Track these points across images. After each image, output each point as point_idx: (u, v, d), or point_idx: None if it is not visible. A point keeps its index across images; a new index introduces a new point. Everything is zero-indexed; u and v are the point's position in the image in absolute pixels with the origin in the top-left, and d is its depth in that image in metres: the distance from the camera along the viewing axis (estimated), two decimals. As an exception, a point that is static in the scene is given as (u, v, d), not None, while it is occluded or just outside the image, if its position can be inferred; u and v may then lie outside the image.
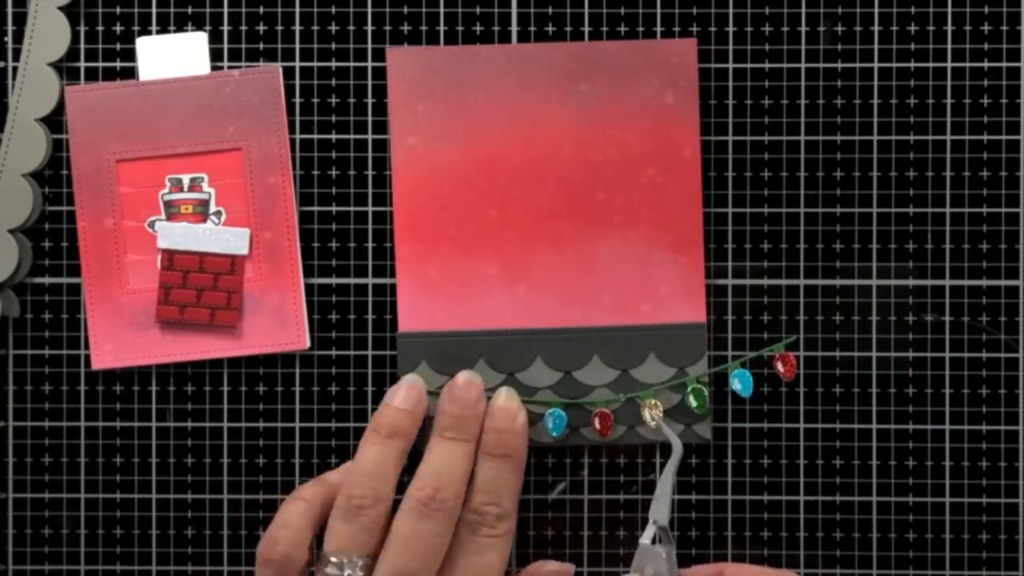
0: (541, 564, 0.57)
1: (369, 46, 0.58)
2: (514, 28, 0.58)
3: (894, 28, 0.58)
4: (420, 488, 0.53)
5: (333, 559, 0.53)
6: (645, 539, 0.55)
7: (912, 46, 0.58)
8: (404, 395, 0.55)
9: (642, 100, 0.57)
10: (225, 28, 0.58)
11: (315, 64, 0.58)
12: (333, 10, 0.58)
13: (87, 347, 0.58)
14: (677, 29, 0.58)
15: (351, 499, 0.53)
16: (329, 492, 0.55)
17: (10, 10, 0.58)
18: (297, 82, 0.58)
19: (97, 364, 0.58)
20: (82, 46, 0.58)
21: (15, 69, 0.58)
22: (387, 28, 0.58)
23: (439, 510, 0.53)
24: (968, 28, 0.58)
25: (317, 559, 0.54)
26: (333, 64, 0.58)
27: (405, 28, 0.58)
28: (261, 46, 0.58)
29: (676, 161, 0.57)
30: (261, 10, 0.58)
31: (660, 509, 0.55)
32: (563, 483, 0.58)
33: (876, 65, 0.58)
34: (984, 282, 0.58)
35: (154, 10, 0.58)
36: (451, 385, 0.56)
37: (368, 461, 0.54)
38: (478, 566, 0.54)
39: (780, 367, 0.57)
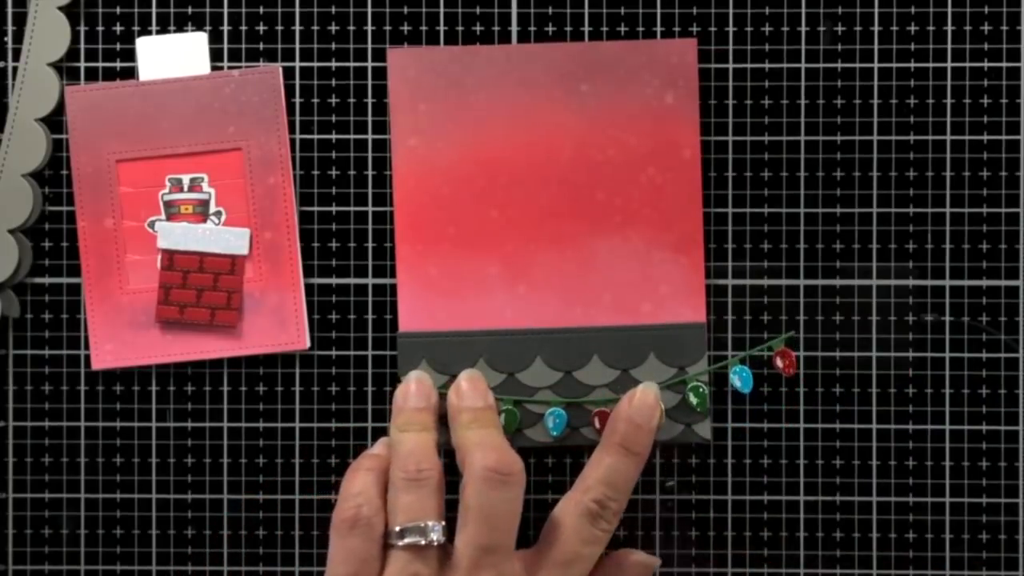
0: (628, 552, 0.57)
1: (369, 46, 0.58)
2: (514, 28, 0.58)
3: (894, 28, 0.58)
4: (485, 460, 0.52)
5: (410, 527, 0.51)
6: None
7: (912, 46, 0.58)
8: (416, 396, 0.55)
9: (642, 100, 0.57)
10: (225, 28, 0.58)
11: (315, 64, 0.58)
12: (333, 10, 0.58)
13: (87, 347, 0.58)
14: (677, 29, 0.58)
15: (408, 472, 0.52)
16: (384, 462, 0.54)
17: (10, 10, 0.58)
18: (297, 82, 0.58)
19: (97, 364, 0.58)
20: (82, 46, 0.58)
21: (15, 69, 0.58)
22: (387, 28, 0.58)
23: (508, 475, 0.52)
24: (968, 28, 0.58)
25: (389, 538, 0.52)
26: (333, 64, 0.58)
27: (405, 28, 0.58)
28: (261, 46, 0.58)
29: (676, 161, 0.57)
30: (261, 10, 0.58)
31: None
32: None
33: (876, 65, 0.58)
34: (984, 282, 0.58)
35: (154, 10, 0.58)
36: (456, 388, 0.56)
37: (408, 444, 0.54)
38: (587, 557, 0.54)
39: (780, 363, 0.58)
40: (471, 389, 0.56)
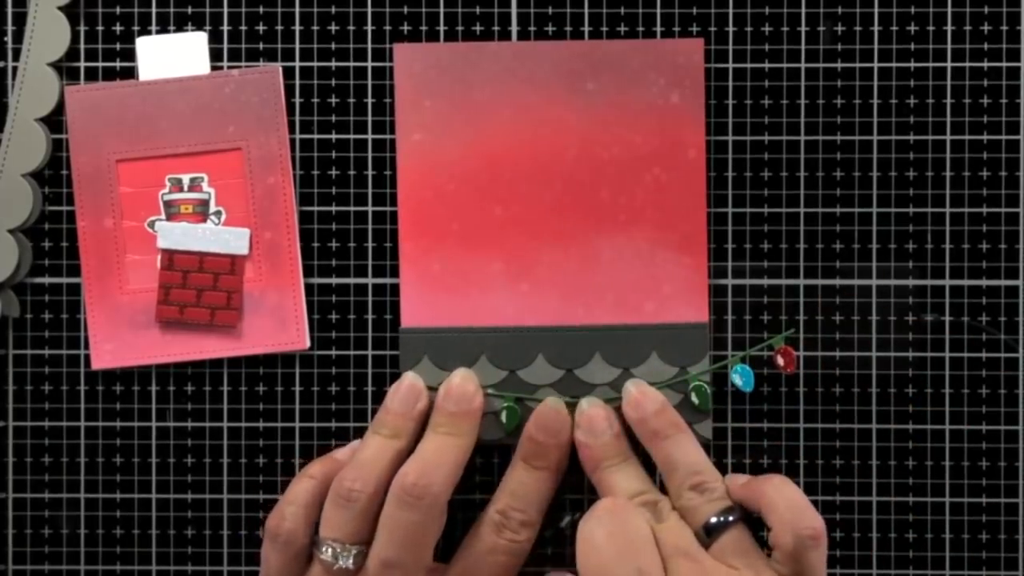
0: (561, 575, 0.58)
1: (369, 46, 0.58)
2: (514, 28, 0.58)
3: (894, 28, 0.58)
4: (404, 476, 0.53)
5: (328, 546, 0.53)
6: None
7: (912, 46, 0.58)
8: (402, 398, 0.55)
9: (648, 100, 0.57)
10: (225, 28, 0.58)
11: (315, 64, 0.58)
12: (333, 10, 0.58)
13: (87, 347, 0.58)
14: (677, 29, 0.58)
15: (343, 485, 0.53)
16: (336, 469, 0.55)
17: (10, 10, 0.58)
18: (297, 82, 0.58)
19: (97, 364, 0.58)
20: (82, 46, 0.58)
21: (15, 69, 0.58)
22: (387, 28, 0.58)
23: (419, 498, 0.52)
24: (968, 28, 0.58)
25: (314, 543, 0.54)
26: (333, 64, 0.58)
27: (405, 28, 0.58)
28: (261, 46, 0.58)
29: (681, 161, 0.57)
30: (261, 10, 0.58)
31: None
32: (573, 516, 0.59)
33: (876, 65, 0.58)
34: (984, 282, 0.58)
35: (154, 10, 0.58)
36: (447, 383, 0.56)
37: (366, 452, 0.55)
38: (489, 564, 0.54)
39: (780, 361, 0.58)
40: (457, 390, 0.56)
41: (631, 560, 0.51)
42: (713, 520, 0.53)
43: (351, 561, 0.53)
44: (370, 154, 0.58)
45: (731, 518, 0.53)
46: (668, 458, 0.55)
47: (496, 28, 0.58)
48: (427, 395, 0.56)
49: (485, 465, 0.59)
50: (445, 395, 0.55)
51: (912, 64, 0.58)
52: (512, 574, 0.55)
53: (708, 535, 0.53)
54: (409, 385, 0.56)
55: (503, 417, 0.57)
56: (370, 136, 0.58)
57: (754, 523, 0.54)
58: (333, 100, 0.58)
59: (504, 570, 0.55)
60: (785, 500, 0.52)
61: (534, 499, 0.55)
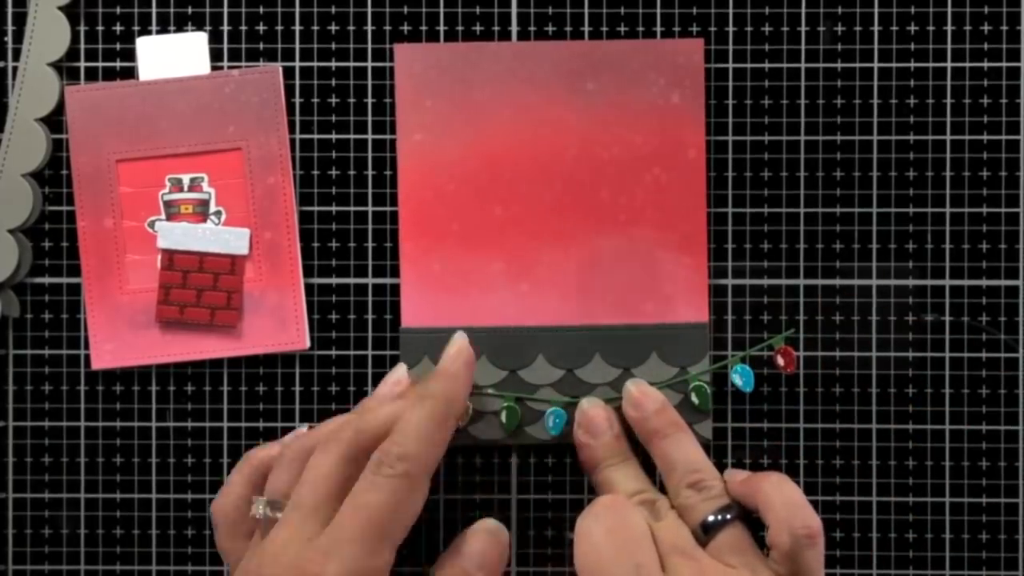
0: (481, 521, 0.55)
1: (369, 46, 0.58)
2: (514, 28, 0.58)
3: (894, 28, 0.58)
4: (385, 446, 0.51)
5: (258, 503, 0.52)
6: None
7: (912, 46, 0.58)
8: (392, 383, 0.55)
9: (648, 100, 0.57)
10: (225, 28, 0.58)
11: (315, 64, 0.58)
12: (333, 10, 0.58)
13: (87, 347, 0.58)
14: (677, 29, 0.58)
15: (284, 447, 0.53)
16: (269, 455, 0.54)
17: (10, 10, 0.58)
18: (297, 82, 0.58)
19: (97, 364, 0.58)
20: (82, 46, 0.58)
21: (15, 69, 0.58)
22: (387, 28, 0.58)
23: (332, 442, 0.51)
24: (968, 28, 0.58)
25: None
26: (333, 64, 0.58)
27: (405, 28, 0.58)
28: (261, 46, 0.58)
29: (681, 161, 0.57)
30: (261, 10, 0.58)
31: None
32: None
33: (876, 65, 0.58)
34: (984, 282, 0.58)
35: (154, 10, 0.58)
36: (448, 349, 0.55)
37: (329, 423, 0.53)
38: (361, 505, 0.49)
39: (780, 361, 0.58)
40: (446, 365, 0.54)
41: (629, 557, 0.50)
42: (711, 518, 0.53)
43: (260, 509, 0.51)
44: (370, 154, 0.58)
45: (728, 516, 0.53)
46: (667, 457, 0.55)
47: (496, 28, 0.58)
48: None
49: (485, 465, 0.59)
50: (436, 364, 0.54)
51: (912, 64, 0.58)
52: (393, 516, 0.50)
53: (705, 533, 0.53)
54: (396, 381, 0.56)
55: (503, 417, 0.57)
56: (370, 136, 0.58)
57: (752, 522, 0.54)
58: (333, 100, 0.58)
59: (383, 512, 0.50)
60: (782, 498, 0.52)
61: (412, 432, 0.51)
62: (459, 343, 0.55)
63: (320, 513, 0.49)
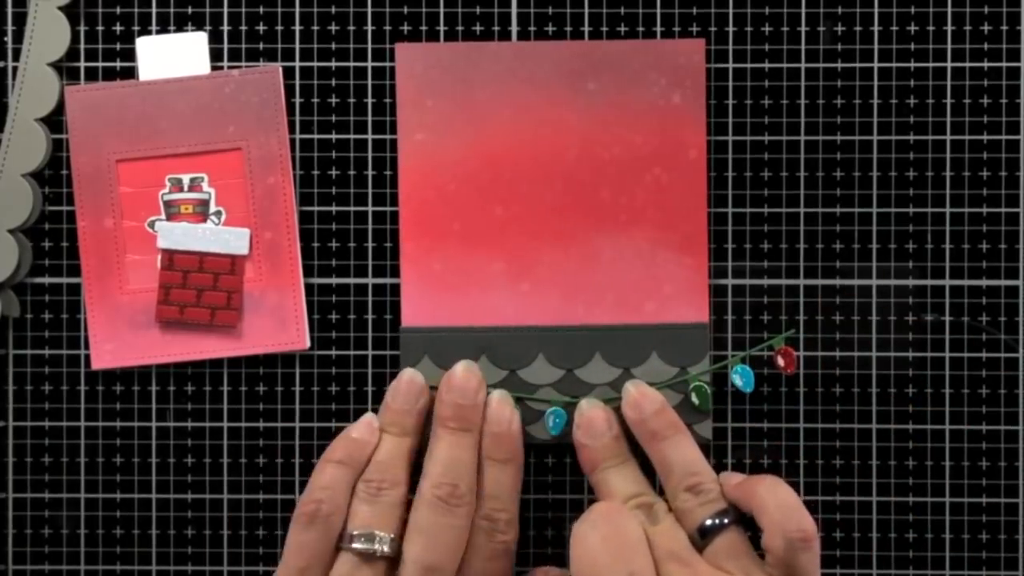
0: (546, 571, 0.57)
1: (369, 46, 0.58)
2: (514, 28, 0.58)
3: (894, 28, 0.58)
4: (436, 484, 0.53)
5: (362, 535, 0.53)
6: None
7: (912, 46, 0.58)
8: (404, 395, 0.56)
9: (649, 100, 0.57)
10: (225, 28, 0.58)
11: (315, 64, 0.58)
12: (333, 10, 0.58)
13: (87, 347, 0.58)
14: (677, 29, 0.58)
15: (370, 483, 0.54)
16: (356, 448, 0.55)
17: (10, 10, 0.58)
18: (297, 82, 0.58)
19: (97, 364, 0.58)
20: (82, 46, 0.58)
21: (15, 69, 0.58)
22: (387, 28, 0.58)
23: (459, 505, 0.53)
24: (968, 28, 0.58)
25: (341, 539, 0.54)
26: (333, 64, 0.58)
27: (405, 28, 0.58)
28: (261, 46, 0.58)
29: (682, 161, 0.57)
30: (261, 10, 0.58)
31: None
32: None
33: (876, 65, 0.58)
34: (984, 282, 0.58)
35: (154, 10, 0.58)
36: (449, 375, 0.56)
37: (382, 452, 0.55)
38: (492, 571, 0.54)
39: (780, 361, 0.58)
40: (463, 383, 0.56)
41: (625, 564, 0.51)
42: (708, 523, 0.53)
43: (387, 547, 0.53)
44: (370, 154, 0.58)
45: (726, 520, 0.53)
46: (665, 459, 0.55)
47: (496, 28, 0.58)
48: (428, 390, 0.56)
49: (485, 465, 0.59)
50: (448, 388, 0.55)
51: (912, 64, 0.58)
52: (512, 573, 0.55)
53: (702, 537, 0.53)
54: (408, 381, 0.56)
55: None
56: (370, 136, 0.58)
57: (750, 525, 0.54)
58: (333, 100, 0.58)
59: (509, 574, 0.55)
60: (776, 501, 0.52)
61: (509, 494, 0.55)
62: (508, 403, 0.56)
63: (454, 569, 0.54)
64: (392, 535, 0.53)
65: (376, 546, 0.53)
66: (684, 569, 0.52)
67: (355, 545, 0.53)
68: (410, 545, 0.53)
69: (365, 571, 0.53)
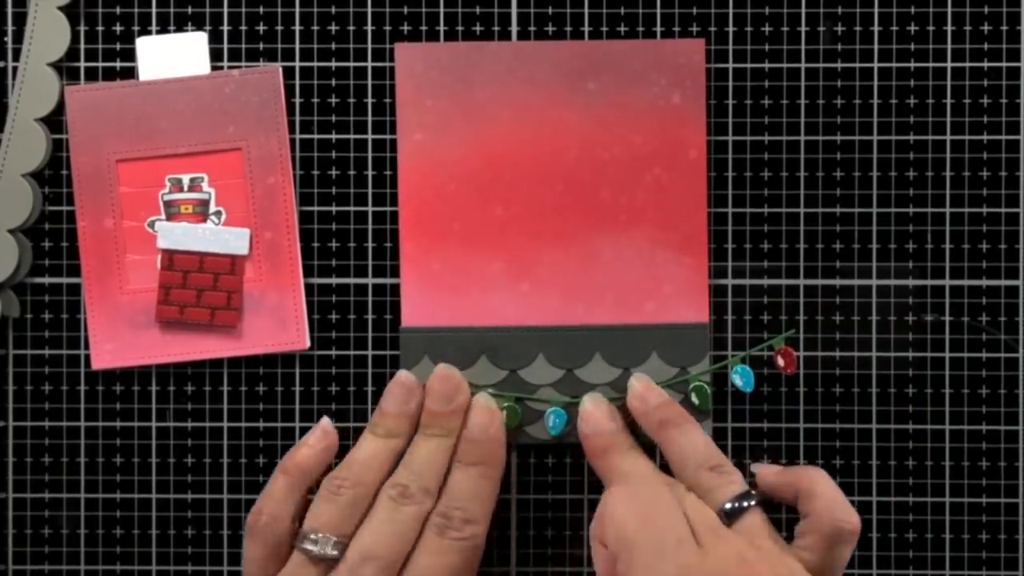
0: None
1: (369, 46, 0.58)
2: (514, 28, 0.58)
3: (894, 28, 0.58)
4: (393, 484, 0.54)
5: (311, 535, 0.53)
6: None
7: (912, 46, 0.58)
8: (395, 397, 0.56)
9: (649, 100, 0.57)
10: (225, 28, 0.58)
11: (315, 64, 0.58)
12: (333, 10, 0.58)
13: (87, 347, 0.58)
14: (677, 29, 0.58)
15: (332, 482, 0.54)
16: (307, 456, 0.55)
17: (10, 10, 0.58)
18: (297, 82, 0.58)
19: (97, 364, 0.58)
20: (82, 46, 0.58)
21: (15, 69, 0.58)
22: (387, 28, 0.58)
23: (407, 504, 0.53)
24: (968, 28, 0.58)
25: (295, 536, 0.54)
26: (333, 64, 0.58)
27: (405, 28, 0.58)
28: (261, 46, 0.58)
29: (682, 161, 0.57)
30: (261, 10, 0.58)
31: None
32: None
33: (876, 65, 0.58)
34: (984, 282, 0.58)
35: (154, 10, 0.58)
36: (430, 380, 0.56)
37: (360, 451, 0.55)
38: (436, 567, 0.54)
39: (780, 361, 0.58)
40: (439, 387, 0.56)
41: (671, 530, 0.50)
42: (734, 503, 0.53)
43: (331, 548, 0.53)
44: (370, 154, 0.58)
45: (752, 502, 0.53)
46: (678, 446, 0.55)
47: (496, 28, 0.58)
48: (421, 394, 0.56)
49: (485, 465, 0.59)
50: (428, 394, 0.56)
51: (912, 64, 0.58)
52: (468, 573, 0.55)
53: (727, 517, 0.53)
54: (398, 384, 0.56)
55: (504, 417, 0.57)
56: (370, 136, 0.58)
57: (771, 511, 0.54)
58: (333, 100, 0.58)
59: (456, 573, 0.54)
60: (830, 490, 0.53)
61: (473, 496, 0.55)
62: (491, 407, 0.56)
63: (394, 569, 0.53)
64: (338, 537, 0.53)
65: (318, 548, 0.53)
66: (722, 542, 0.51)
67: (304, 545, 0.53)
68: (358, 534, 0.53)
69: (311, 570, 0.53)
